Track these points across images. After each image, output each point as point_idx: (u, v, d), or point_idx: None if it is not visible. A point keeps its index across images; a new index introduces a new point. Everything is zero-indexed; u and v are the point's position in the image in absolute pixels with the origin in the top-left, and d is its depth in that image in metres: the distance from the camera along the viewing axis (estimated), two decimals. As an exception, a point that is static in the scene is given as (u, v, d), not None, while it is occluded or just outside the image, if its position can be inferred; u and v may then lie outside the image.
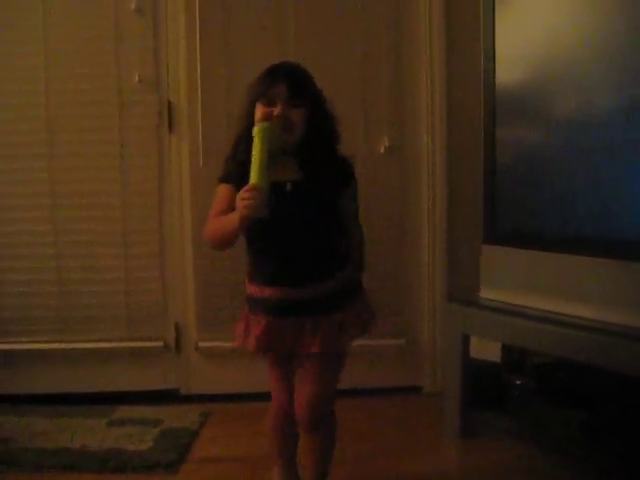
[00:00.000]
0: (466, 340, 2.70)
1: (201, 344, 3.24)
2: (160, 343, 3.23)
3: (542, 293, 2.46)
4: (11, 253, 3.19)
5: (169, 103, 3.17)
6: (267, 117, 1.85)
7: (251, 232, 1.89)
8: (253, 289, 1.99)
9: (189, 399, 3.21)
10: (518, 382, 2.78)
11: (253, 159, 1.77)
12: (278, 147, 1.83)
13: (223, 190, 1.94)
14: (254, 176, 1.75)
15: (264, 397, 3.08)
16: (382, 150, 3.17)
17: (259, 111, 1.87)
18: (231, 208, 1.83)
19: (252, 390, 3.01)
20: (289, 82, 1.87)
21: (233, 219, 1.80)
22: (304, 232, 1.90)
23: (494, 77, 2.62)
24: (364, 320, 2.03)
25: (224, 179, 1.96)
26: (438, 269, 3.23)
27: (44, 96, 3.12)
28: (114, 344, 3.21)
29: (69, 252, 3.20)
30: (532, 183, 2.54)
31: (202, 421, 2.96)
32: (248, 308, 2.01)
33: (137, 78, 3.12)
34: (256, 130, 1.82)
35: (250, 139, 1.82)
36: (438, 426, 2.81)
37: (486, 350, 2.86)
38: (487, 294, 2.65)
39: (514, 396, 2.77)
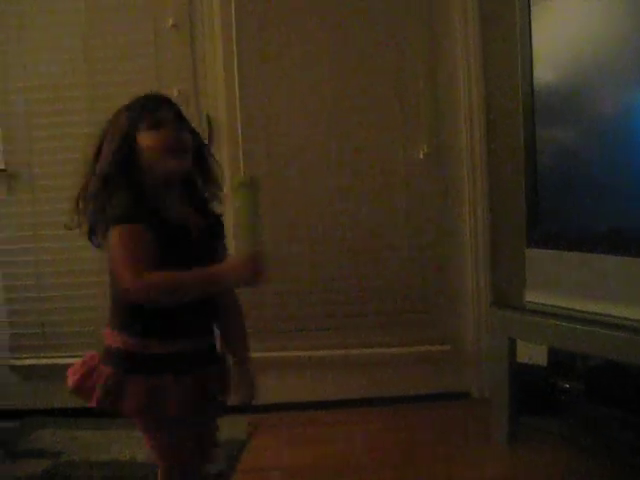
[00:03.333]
0: (513, 344, 2.68)
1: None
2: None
3: (588, 295, 2.43)
4: (57, 270, 3.25)
5: (208, 117, 3.20)
6: (164, 143, 1.64)
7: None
8: (157, 346, 1.68)
9: (237, 409, 3.22)
10: (566, 386, 2.75)
11: (245, 219, 1.62)
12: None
13: (130, 233, 1.61)
14: (254, 240, 1.61)
15: (312, 406, 3.11)
16: (421, 155, 3.16)
17: (149, 138, 1.65)
18: (154, 254, 1.59)
19: (300, 399, 3.03)
20: (172, 107, 1.71)
21: (220, 276, 1.63)
22: None
23: (532, 77, 2.60)
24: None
25: (129, 219, 1.61)
26: (482, 274, 3.20)
27: (86, 114, 3.17)
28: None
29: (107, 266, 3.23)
30: (575, 184, 2.51)
31: (251, 431, 2.97)
32: (148, 370, 1.68)
33: (176, 93, 3.16)
34: (242, 180, 1.67)
35: (125, 173, 1.64)
36: (486, 432, 2.78)
37: (533, 354, 2.83)
38: (532, 298, 2.62)
39: (563, 400, 2.73)
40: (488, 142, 3.17)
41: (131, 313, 1.69)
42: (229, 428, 2.99)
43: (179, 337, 1.70)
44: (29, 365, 3.30)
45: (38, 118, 3.22)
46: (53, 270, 3.26)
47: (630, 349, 2.21)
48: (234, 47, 3.15)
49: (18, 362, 3.31)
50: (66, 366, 3.17)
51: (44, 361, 3.28)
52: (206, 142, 1.83)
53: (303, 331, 3.19)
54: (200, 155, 1.75)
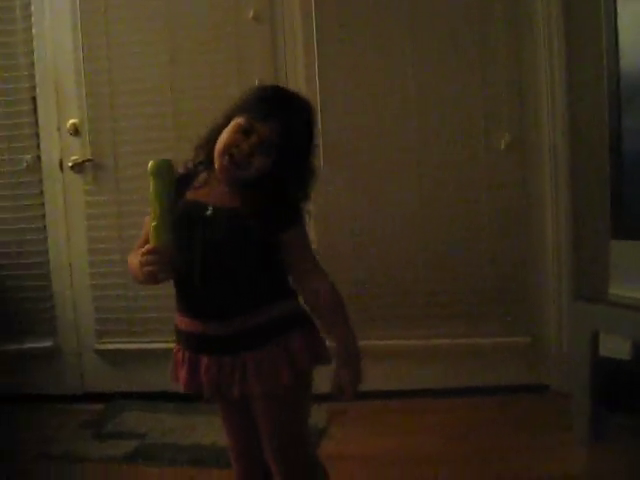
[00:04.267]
0: (595, 338, 2.63)
1: (325, 343, 3.27)
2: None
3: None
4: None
5: (289, 108, 3.22)
6: (232, 142, 1.61)
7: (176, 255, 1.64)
8: (177, 318, 1.76)
9: (317, 398, 3.25)
10: (651, 381, 2.69)
11: (152, 208, 1.56)
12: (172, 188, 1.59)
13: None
14: (156, 234, 1.55)
15: (390, 396, 3.12)
16: (502, 146, 3.12)
17: (229, 131, 1.64)
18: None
19: (379, 388, 3.04)
20: (280, 127, 1.61)
21: (131, 265, 1.66)
22: (222, 261, 1.64)
23: (618, 64, 2.54)
24: (314, 352, 1.71)
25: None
26: (564, 265, 3.15)
27: (170, 104, 3.25)
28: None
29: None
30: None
31: (329, 419, 3.00)
32: (176, 339, 1.79)
33: (257, 84, 3.19)
34: (152, 168, 1.59)
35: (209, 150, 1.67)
36: (566, 426, 2.74)
37: (615, 348, 2.78)
38: (617, 290, 2.57)
39: (647, 395, 2.67)
40: (571, 132, 3.09)
41: None
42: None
43: (184, 314, 1.72)
44: (114, 349, 3.40)
45: (123, 109, 3.30)
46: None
47: None
48: (314, 39, 3.16)
49: (104, 346, 3.41)
50: (150, 351, 3.30)
51: (129, 346, 3.39)
52: (303, 161, 1.68)
53: (382, 321, 3.20)
54: (281, 174, 1.64)
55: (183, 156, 3.18)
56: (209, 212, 1.65)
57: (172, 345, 3.32)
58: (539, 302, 3.21)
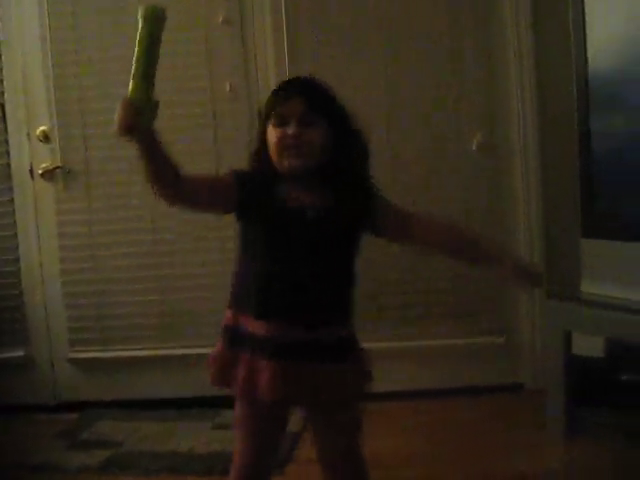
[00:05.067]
0: (568, 336, 2.65)
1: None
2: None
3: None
4: (114, 264, 3.32)
5: (259, 111, 3.20)
6: (280, 140, 1.63)
7: (258, 258, 1.67)
8: (246, 321, 1.68)
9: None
10: (623, 377, 2.71)
11: (136, 56, 1.57)
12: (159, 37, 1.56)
13: (223, 178, 1.73)
14: (133, 83, 1.57)
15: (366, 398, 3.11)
16: (474, 147, 3.14)
17: (272, 135, 1.65)
18: (212, 186, 1.73)
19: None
20: (303, 97, 1.65)
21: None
22: (322, 266, 1.65)
23: (586, 66, 2.56)
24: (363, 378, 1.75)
25: (232, 174, 1.71)
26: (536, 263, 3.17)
27: (140, 110, 3.23)
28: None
29: (169, 260, 3.30)
30: (631, 172, 2.48)
31: (305, 423, 2.99)
32: (231, 343, 1.71)
33: (228, 88, 3.19)
34: (144, 11, 1.58)
35: (263, 163, 1.68)
36: (541, 424, 2.76)
37: (588, 346, 2.80)
38: (588, 288, 2.59)
39: (619, 392, 2.70)
40: (542, 131, 3.13)
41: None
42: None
43: (262, 318, 1.66)
44: (87, 358, 3.37)
45: (93, 116, 3.26)
46: (109, 264, 3.33)
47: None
48: (285, 42, 3.16)
49: (77, 355, 3.38)
50: (124, 359, 3.28)
51: (102, 354, 3.36)
52: (349, 120, 1.73)
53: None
54: (339, 140, 1.69)
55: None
56: (309, 214, 1.64)
57: (145, 352, 3.35)
58: (512, 301, 3.23)
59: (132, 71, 1.56)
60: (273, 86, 3.08)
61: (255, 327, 1.65)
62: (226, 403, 3.18)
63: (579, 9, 2.56)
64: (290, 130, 1.62)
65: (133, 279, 3.31)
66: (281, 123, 1.64)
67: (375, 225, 1.71)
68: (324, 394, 1.66)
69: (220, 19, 3.17)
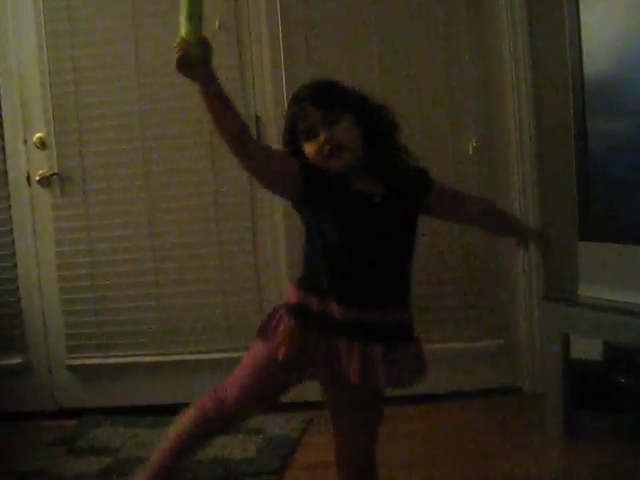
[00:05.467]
0: (566, 339, 2.65)
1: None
2: (257, 353, 3.28)
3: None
4: (112, 270, 3.31)
5: (257, 117, 3.22)
6: (318, 151, 1.71)
7: (331, 243, 1.74)
8: (320, 302, 1.76)
9: (290, 407, 3.24)
10: (622, 381, 2.71)
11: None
12: None
13: (289, 161, 1.77)
14: (185, 25, 1.68)
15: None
16: (470, 150, 3.14)
17: (308, 149, 1.74)
18: (283, 164, 1.76)
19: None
20: (317, 103, 1.73)
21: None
22: (386, 249, 1.75)
23: (582, 69, 2.57)
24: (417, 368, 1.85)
25: (297, 163, 1.76)
26: (534, 268, 3.17)
27: (137, 115, 3.24)
28: (214, 355, 3.28)
29: (166, 267, 3.30)
30: (628, 175, 2.48)
31: (304, 428, 2.99)
32: (296, 319, 1.77)
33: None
34: None
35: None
36: (540, 427, 2.76)
37: (587, 349, 2.80)
38: (585, 292, 2.59)
39: (618, 395, 2.70)
40: (538, 135, 3.13)
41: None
42: (282, 426, 3.02)
43: (342, 302, 1.74)
44: (85, 365, 3.36)
45: (90, 122, 3.27)
46: (107, 271, 3.32)
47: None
48: (281, 47, 3.17)
49: (75, 362, 3.37)
50: (122, 365, 3.27)
51: (100, 360, 3.35)
52: (374, 106, 1.83)
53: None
54: (369, 128, 1.78)
55: (152, 169, 3.19)
56: (377, 199, 1.73)
57: (142, 359, 3.34)
58: (510, 305, 3.23)
59: (180, 12, 1.67)
60: (270, 91, 3.16)
61: (333, 309, 1.72)
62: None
63: (574, 11, 2.57)
64: (321, 138, 1.70)
65: (131, 285, 3.30)
66: (310, 136, 1.72)
67: (428, 203, 1.83)
68: (395, 372, 1.75)
69: (216, 25, 3.17)
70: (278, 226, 3.25)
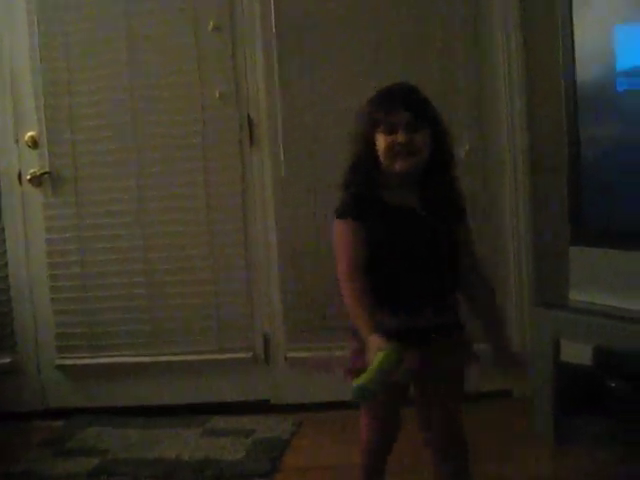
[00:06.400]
0: (557, 344, 2.66)
1: (290, 354, 3.27)
2: (249, 354, 3.28)
3: (634, 293, 2.40)
4: (102, 270, 3.30)
5: (249, 118, 3.22)
6: (391, 145, 1.80)
7: (379, 257, 1.82)
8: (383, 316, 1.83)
9: (280, 409, 3.25)
10: (613, 385, 2.71)
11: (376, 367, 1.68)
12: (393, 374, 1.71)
13: (347, 229, 1.85)
14: (367, 379, 1.67)
15: (354, 405, 3.11)
16: (463, 154, 3.14)
17: (382, 141, 1.82)
18: (362, 249, 1.82)
19: (343, 398, 3.02)
20: (409, 107, 1.81)
21: (364, 322, 1.76)
22: (433, 260, 1.84)
23: (575, 77, 2.57)
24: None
25: (343, 213, 1.87)
26: (525, 272, 3.18)
27: (130, 115, 3.23)
28: (204, 356, 3.28)
29: (157, 268, 3.29)
30: (619, 181, 2.49)
31: (294, 430, 2.99)
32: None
33: (217, 94, 3.19)
34: (382, 354, 1.68)
35: (365, 167, 1.85)
36: (529, 431, 2.76)
37: (577, 353, 2.80)
38: (577, 296, 2.60)
39: (609, 400, 2.70)
40: (531, 139, 3.14)
41: None
42: (272, 428, 3.02)
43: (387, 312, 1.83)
44: (75, 365, 3.34)
45: (82, 121, 3.26)
46: (98, 270, 3.30)
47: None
48: (274, 49, 3.16)
49: (64, 362, 3.35)
50: (112, 365, 3.26)
51: (90, 361, 3.34)
52: (444, 127, 1.89)
53: (341, 331, 3.18)
54: (437, 145, 1.85)
55: (144, 170, 3.19)
56: (420, 213, 1.83)
57: (132, 359, 3.33)
58: (501, 310, 3.23)
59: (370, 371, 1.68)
60: (263, 93, 3.16)
61: (391, 321, 1.81)
62: (215, 410, 3.22)
63: (567, 18, 2.58)
64: (400, 138, 1.79)
65: (122, 285, 3.29)
66: (390, 131, 1.80)
67: (459, 228, 1.92)
68: (443, 367, 1.89)
69: (210, 26, 3.17)
70: (270, 228, 3.25)
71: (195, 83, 3.20)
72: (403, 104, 1.82)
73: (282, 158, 3.19)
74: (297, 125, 3.18)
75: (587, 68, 2.54)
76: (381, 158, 1.83)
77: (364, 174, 1.86)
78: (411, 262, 1.82)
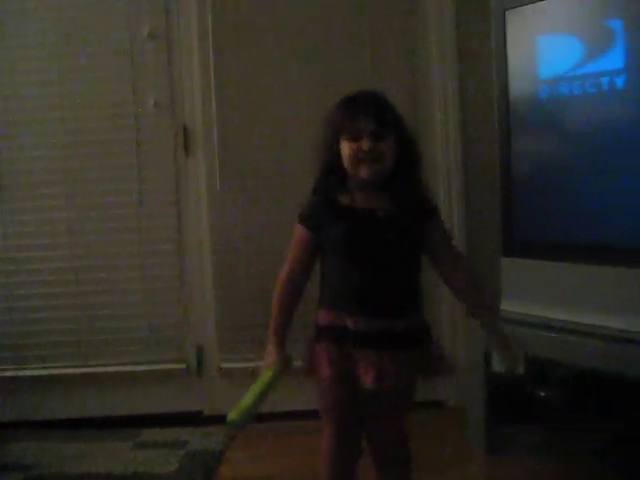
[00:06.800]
0: (488, 353, 2.69)
1: (223, 365, 3.24)
2: (182, 365, 3.24)
3: (564, 304, 2.45)
4: (30, 280, 3.22)
5: (185, 127, 3.19)
6: (356, 152, 1.81)
7: (338, 262, 1.87)
8: (329, 317, 1.90)
9: (213, 420, 3.21)
10: (543, 394, 2.77)
11: (254, 390, 1.85)
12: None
13: (300, 234, 1.91)
14: (241, 408, 1.83)
15: (287, 417, 3.10)
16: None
17: (347, 147, 1.84)
18: (307, 254, 1.89)
19: (275, 410, 3.02)
20: (373, 114, 1.83)
21: (270, 331, 1.91)
22: (392, 262, 1.85)
23: (507, 90, 2.62)
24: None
25: (299, 218, 1.92)
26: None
27: (60, 123, 3.17)
28: (136, 367, 3.22)
29: (87, 277, 3.22)
30: (550, 194, 2.54)
31: (227, 442, 2.96)
32: (318, 337, 1.92)
33: (152, 102, 3.15)
34: (267, 371, 1.87)
35: (332, 172, 1.86)
36: (463, 441, 2.79)
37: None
38: (508, 307, 2.63)
39: (539, 409, 2.75)
40: (464, 153, 3.19)
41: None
42: (205, 439, 2.98)
43: (341, 312, 1.87)
44: (1, 377, 3.23)
45: (9, 127, 3.19)
46: (24, 280, 3.22)
47: (606, 357, 2.24)
48: (210, 56, 3.14)
49: (-13, 374, 3.25)
50: (38, 378, 3.17)
51: (14, 373, 3.25)
52: (409, 133, 1.91)
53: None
54: (401, 152, 1.87)
55: (74, 177, 3.12)
56: (380, 214, 1.84)
57: (60, 371, 3.24)
58: (434, 320, 3.25)
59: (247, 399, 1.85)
60: (199, 101, 3.13)
61: (349, 323, 1.84)
62: (147, 422, 3.16)
63: (501, 37, 2.62)
64: (364, 145, 1.81)
65: (49, 295, 3.21)
66: (355, 138, 1.82)
67: (430, 229, 1.91)
68: (403, 376, 1.87)
69: (146, 32, 3.14)
70: (204, 238, 3.22)
71: (129, 90, 3.16)
72: (368, 111, 1.83)
73: (217, 167, 3.17)
74: (234, 135, 3.17)
75: (520, 83, 2.59)
76: (345, 165, 1.85)
77: (328, 180, 1.89)
78: (367, 264, 1.83)
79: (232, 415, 1.80)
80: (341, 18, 3.16)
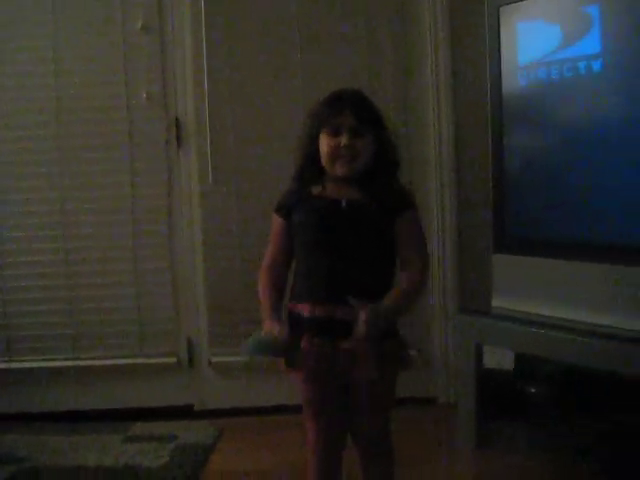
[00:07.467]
0: (479, 350, 2.70)
1: (214, 359, 3.24)
2: (173, 359, 3.24)
3: (555, 301, 2.46)
4: (22, 272, 3.21)
5: (177, 120, 3.19)
6: (334, 149, 1.83)
7: (302, 249, 1.91)
8: (299, 307, 1.90)
9: (203, 414, 3.21)
10: (532, 390, 2.78)
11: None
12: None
13: (275, 223, 1.96)
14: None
15: (277, 411, 3.10)
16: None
17: (325, 143, 1.86)
18: (283, 242, 1.93)
19: (266, 404, 3.02)
20: (355, 111, 1.85)
21: (264, 310, 1.88)
22: (355, 250, 1.85)
23: (500, 85, 2.62)
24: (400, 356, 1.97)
25: (276, 208, 1.96)
26: (449, 279, 3.22)
27: (54, 114, 3.16)
28: (127, 361, 3.22)
29: (79, 270, 3.22)
30: (542, 191, 2.54)
31: (217, 435, 2.96)
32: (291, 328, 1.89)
33: (145, 96, 3.14)
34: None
35: (312, 164, 1.89)
36: (453, 437, 2.80)
37: (499, 359, 2.85)
38: (499, 303, 2.64)
39: (529, 405, 2.76)
40: (456, 149, 3.19)
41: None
42: (195, 433, 2.99)
43: (306, 302, 1.87)
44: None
45: (2, 119, 3.18)
46: (15, 273, 3.22)
47: (595, 354, 2.25)
48: (203, 50, 3.13)
49: (-22, 367, 3.25)
50: (28, 370, 3.17)
51: (5, 365, 3.24)
52: (388, 133, 1.93)
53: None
54: (379, 150, 1.89)
55: (67, 169, 3.10)
56: (343, 204, 1.84)
57: (51, 364, 3.24)
58: (425, 315, 3.26)
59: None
60: (191, 94, 3.12)
61: (305, 310, 1.86)
62: (138, 415, 3.16)
63: (494, 27, 2.62)
64: (343, 141, 1.83)
65: (40, 288, 3.21)
66: (334, 133, 1.84)
67: (402, 221, 1.88)
68: (359, 369, 1.83)
69: (139, 26, 3.13)
70: (195, 231, 3.22)
71: (122, 83, 3.15)
72: (349, 107, 1.85)
73: (209, 160, 3.16)
74: (226, 127, 3.16)
75: (512, 79, 2.59)
76: (323, 162, 1.87)
77: (306, 171, 1.91)
78: (330, 252, 1.84)
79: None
80: (334, 13, 3.16)
